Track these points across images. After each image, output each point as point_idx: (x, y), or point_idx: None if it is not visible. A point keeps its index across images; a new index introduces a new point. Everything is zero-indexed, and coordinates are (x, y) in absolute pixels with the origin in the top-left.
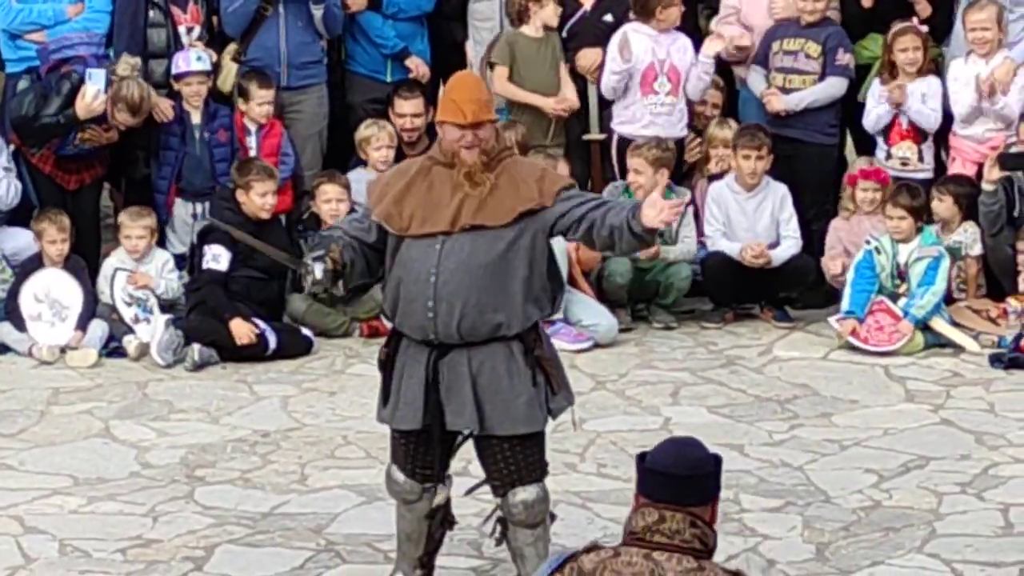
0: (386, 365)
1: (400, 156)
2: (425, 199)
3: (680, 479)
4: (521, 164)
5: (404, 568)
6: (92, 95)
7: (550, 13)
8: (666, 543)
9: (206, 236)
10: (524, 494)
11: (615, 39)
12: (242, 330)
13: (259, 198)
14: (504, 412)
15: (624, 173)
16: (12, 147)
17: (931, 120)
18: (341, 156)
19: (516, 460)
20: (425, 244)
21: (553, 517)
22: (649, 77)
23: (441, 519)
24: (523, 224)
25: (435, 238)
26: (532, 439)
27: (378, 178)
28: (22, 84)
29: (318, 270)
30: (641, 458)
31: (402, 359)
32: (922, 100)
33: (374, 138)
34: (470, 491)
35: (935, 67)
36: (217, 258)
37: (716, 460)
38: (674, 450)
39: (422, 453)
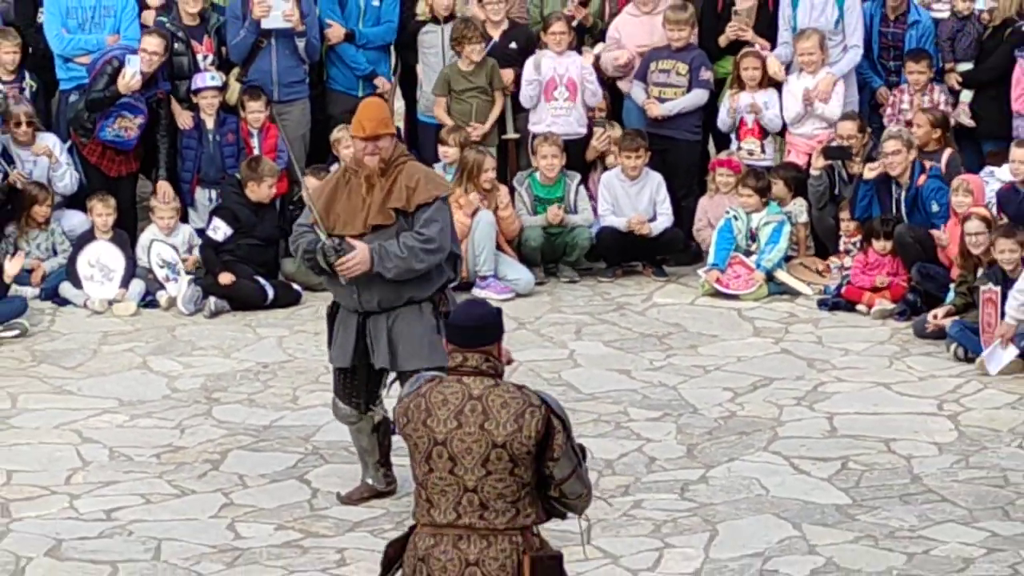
0: (331, 319)
1: None
2: (346, 205)
3: (471, 328)
4: (409, 170)
5: (370, 474)
6: (131, 75)
7: (473, 50)
8: (470, 371)
9: (215, 212)
10: None
11: (529, 62)
12: (226, 279)
13: (267, 188)
14: (411, 353)
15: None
16: (68, 143)
17: (776, 124)
18: (325, 154)
19: None
20: None
21: None
22: (550, 88)
23: (384, 430)
24: (402, 220)
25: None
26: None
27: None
28: (73, 97)
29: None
30: (446, 318)
31: (341, 315)
32: (765, 107)
33: (344, 139)
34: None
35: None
36: (216, 229)
37: (497, 311)
38: (466, 309)
39: (355, 385)
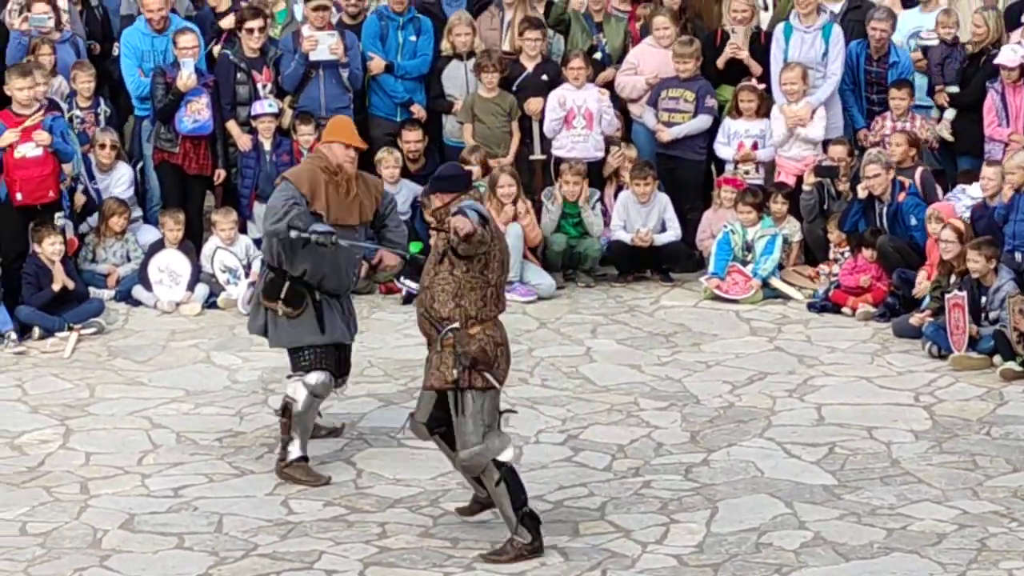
0: (305, 303)
1: (405, 171)
2: (336, 199)
3: (448, 177)
4: (361, 177)
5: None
6: (187, 75)
7: (491, 78)
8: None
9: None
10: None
11: (552, 97)
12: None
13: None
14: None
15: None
16: (140, 164)
17: (770, 156)
18: (369, 172)
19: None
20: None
21: (512, 412)
22: (569, 117)
23: None
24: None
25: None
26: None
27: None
28: (145, 123)
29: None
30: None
31: (323, 299)
32: (760, 138)
33: (384, 160)
34: None
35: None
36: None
37: (468, 174)
38: (443, 168)
39: (340, 358)
